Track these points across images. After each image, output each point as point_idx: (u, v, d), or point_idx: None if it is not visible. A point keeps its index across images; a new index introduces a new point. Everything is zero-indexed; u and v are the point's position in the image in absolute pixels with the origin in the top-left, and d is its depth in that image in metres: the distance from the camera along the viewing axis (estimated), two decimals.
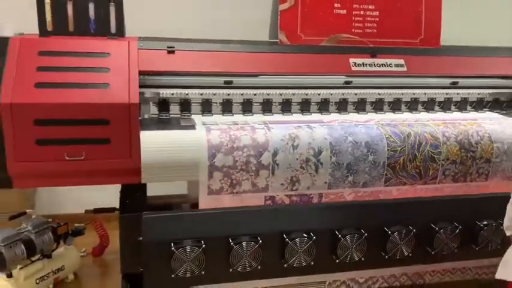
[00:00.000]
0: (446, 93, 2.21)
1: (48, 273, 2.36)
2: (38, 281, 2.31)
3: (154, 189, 2.02)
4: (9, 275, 2.20)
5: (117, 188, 2.47)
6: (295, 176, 1.76)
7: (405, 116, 2.09)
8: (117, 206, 2.43)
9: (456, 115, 2.18)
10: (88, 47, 1.72)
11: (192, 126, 1.76)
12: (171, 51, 1.81)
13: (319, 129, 1.80)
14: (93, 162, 1.63)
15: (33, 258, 2.32)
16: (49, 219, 2.42)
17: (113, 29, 1.87)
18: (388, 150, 1.81)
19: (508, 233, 1.39)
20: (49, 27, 1.83)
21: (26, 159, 1.58)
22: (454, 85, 2.21)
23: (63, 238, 2.48)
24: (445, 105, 2.23)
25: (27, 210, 2.45)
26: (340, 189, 1.81)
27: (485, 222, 1.89)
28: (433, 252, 1.86)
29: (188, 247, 1.62)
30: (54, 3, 1.81)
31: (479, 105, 2.29)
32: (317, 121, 1.89)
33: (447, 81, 2.20)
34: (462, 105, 2.25)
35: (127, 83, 1.65)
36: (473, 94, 2.26)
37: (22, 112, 1.55)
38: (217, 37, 2.08)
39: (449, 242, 1.86)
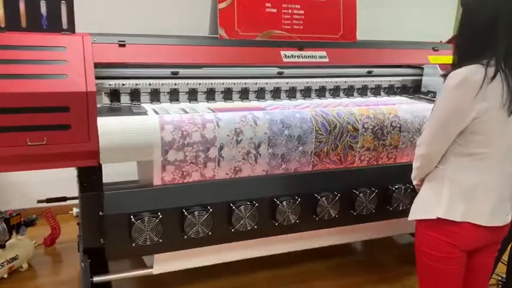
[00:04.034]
0: (363, 81, 2.58)
1: (2, 263, 2.44)
2: None
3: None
4: None
5: (63, 181, 2.62)
6: (237, 166, 2.03)
7: (339, 101, 2.41)
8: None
9: (378, 100, 2.54)
10: (44, 41, 1.86)
11: (144, 113, 1.96)
12: (122, 45, 1.99)
13: (262, 122, 2.03)
14: (54, 146, 1.78)
15: None
16: (1, 211, 2.50)
17: (65, 25, 2.02)
18: (315, 141, 2.12)
19: (414, 183, 1.73)
20: (1, 24, 1.94)
21: None
22: (369, 74, 2.59)
23: (16, 228, 2.56)
24: (363, 91, 2.60)
25: None
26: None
27: (396, 186, 2.26)
28: (355, 214, 2.20)
29: (146, 218, 1.82)
30: (6, 0, 1.93)
31: (390, 90, 2.69)
32: (259, 108, 2.15)
33: (363, 70, 2.57)
34: (376, 91, 2.64)
35: (83, 74, 1.81)
36: (386, 81, 2.66)
37: None
38: (161, 33, 2.30)
39: (368, 204, 2.21)
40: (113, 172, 2.07)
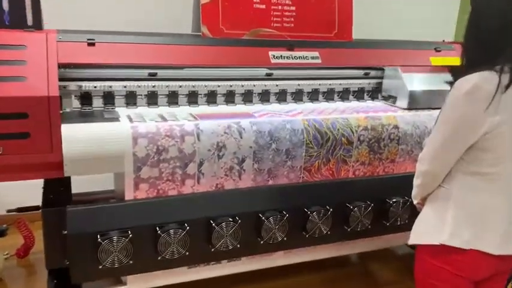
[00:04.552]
0: (360, 84, 2.39)
1: None
2: None
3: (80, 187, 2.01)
4: None
5: (37, 187, 2.41)
6: (219, 183, 1.84)
7: (335, 106, 2.22)
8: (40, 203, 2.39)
9: (376, 104, 2.35)
10: (2, 39, 1.66)
11: (116, 119, 1.77)
12: (91, 44, 1.79)
13: (247, 135, 1.83)
14: (12, 157, 1.59)
15: None
16: None
17: (30, 21, 1.82)
18: (305, 155, 1.94)
19: (414, 202, 1.55)
20: None
21: None
22: (366, 76, 2.39)
23: None
24: (359, 94, 2.41)
25: None
26: None
27: (394, 200, 2.07)
28: (349, 230, 2.02)
29: (115, 238, 1.63)
30: None
31: None
32: (246, 114, 1.95)
33: (360, 72, 2.38)
34: (374, 94, 2.45)
35: (45, 76, 1.62)
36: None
37: None
38: (138, 30, 2.10)
39: (363, 219, 2.03)
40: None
